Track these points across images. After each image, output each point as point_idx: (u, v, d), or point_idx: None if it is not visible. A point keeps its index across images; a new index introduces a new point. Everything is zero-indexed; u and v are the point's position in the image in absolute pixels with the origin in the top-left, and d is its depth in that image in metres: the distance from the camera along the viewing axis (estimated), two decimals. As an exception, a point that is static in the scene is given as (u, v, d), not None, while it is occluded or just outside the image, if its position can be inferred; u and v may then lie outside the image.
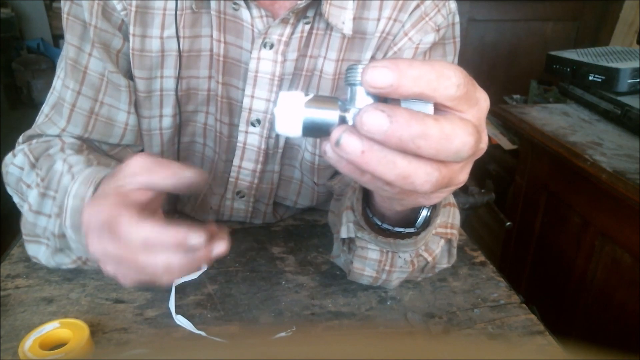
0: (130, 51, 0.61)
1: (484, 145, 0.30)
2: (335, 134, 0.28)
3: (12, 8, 2.55)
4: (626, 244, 1.03)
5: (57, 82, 0.64)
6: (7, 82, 2.41)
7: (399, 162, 0.27)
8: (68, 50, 0.61)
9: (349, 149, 0.27)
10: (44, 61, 2.41)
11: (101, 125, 0.63)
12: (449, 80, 0.27)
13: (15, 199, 0.63)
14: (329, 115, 0.28)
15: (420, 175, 0.28)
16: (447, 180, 0.29)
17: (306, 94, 0.29)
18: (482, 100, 0.30)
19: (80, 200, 0.49)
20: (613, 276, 1.08)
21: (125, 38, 0.62)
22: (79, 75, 0.61)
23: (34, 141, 0.63)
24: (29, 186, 0.58)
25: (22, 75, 2.40)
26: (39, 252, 0.59)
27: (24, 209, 0.57)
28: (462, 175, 0.31)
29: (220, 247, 0.40)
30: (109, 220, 0.39)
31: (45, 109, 0.65)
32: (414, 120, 0.26)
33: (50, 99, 0.64)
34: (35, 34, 2.67)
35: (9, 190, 0.63)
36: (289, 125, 0.28)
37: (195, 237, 0.38)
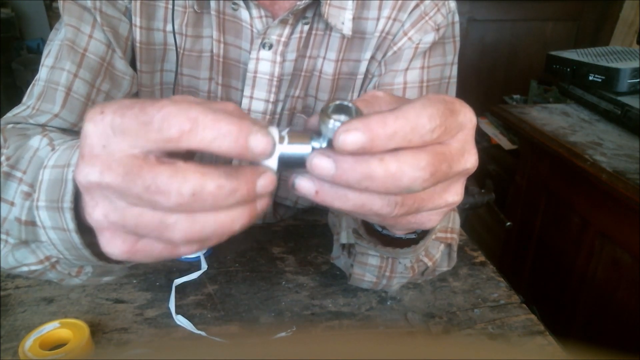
0: (138, 44, 0.61)
1: (469, 165, 0.30)
2: (290, 179, 0.30)
3: (12, 8, 2.56)
4: (626, 244, 1.03)
5: (42, 71, 0.58)
6: (7, 82, 2.41)
7: (350, 195, 0.29)
8: (64, 32, 0.58)
9: (304, 191, 0.29)
10: (44, 61, 2.42)
11: None
12: (424, 128, 0.27)
13: None
14: (302, 150, 0.30)
15: (376, 202, 0.29)
16: (417, 205, 0.29)
17: (280, 130, 0.29)
18: (467, 122, 0.29)
19: (62, 167, 0.37)
20: (613, 276, 1.08)
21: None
22: (76, 57, 0.57)
23: (10, 126, 0.54)
24: None
25: (22, 75, 2.40)
26: None
27: None
28: (451, 197, 0.31)
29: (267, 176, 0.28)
30: (129, 163, 0.26)
31: (29, 102, 0.57)
32: (358, 164, 0.27)
33: (35, 90, 0.58)
34: (35, 34, 2.67)
35: None
36: (265, 161, 0.30)
37: (265, 176, 0.27)
